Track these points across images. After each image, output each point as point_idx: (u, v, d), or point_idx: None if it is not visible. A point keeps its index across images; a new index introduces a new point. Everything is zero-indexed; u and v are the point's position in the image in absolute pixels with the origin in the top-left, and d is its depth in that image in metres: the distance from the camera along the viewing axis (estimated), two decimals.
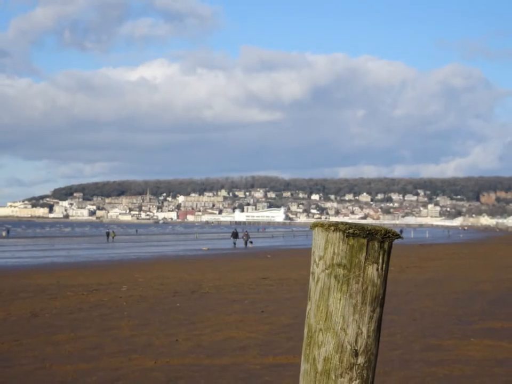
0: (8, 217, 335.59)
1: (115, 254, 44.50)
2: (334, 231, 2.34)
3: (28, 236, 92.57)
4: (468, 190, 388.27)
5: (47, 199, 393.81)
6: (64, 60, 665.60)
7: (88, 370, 8.83)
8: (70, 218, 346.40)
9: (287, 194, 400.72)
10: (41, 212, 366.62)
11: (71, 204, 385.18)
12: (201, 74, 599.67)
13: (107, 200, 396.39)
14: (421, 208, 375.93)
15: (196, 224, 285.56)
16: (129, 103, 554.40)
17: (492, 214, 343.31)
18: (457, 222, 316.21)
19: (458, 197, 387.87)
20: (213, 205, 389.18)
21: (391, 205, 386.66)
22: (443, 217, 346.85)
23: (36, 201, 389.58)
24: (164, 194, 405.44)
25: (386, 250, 2.37)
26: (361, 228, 2.33)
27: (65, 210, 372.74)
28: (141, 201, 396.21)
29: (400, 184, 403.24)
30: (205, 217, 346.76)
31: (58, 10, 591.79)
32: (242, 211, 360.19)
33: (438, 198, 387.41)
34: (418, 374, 8.54)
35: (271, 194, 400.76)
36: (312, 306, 2.38)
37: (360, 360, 2.31)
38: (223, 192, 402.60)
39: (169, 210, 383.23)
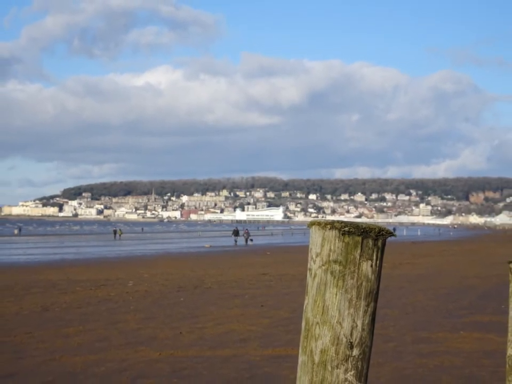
0: (20, 216, 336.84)
1: (122, 251, 44.65)
2: (330, 229, 2.37)
3: (38, 234, 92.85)
4: (457, 190, 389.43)
5: (57, 198, 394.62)
6: (73, 66, 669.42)
7: (96, 362, 8.98)
8: (79, 217, 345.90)
9: (285, 194, 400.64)
10: (51, 211, 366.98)
11: (80, 203, 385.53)
12: (204, 80, 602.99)
13: (114, 200, 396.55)
14: (413, 207, 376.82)
15: (199, 222, 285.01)
16: (135, 107, 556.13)
17: (480, 213, 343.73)
18: (447, 220, 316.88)
19: (449, 196, 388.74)
20: (215, 204, 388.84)
21: (384, 204, 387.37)
22: (434, 216, 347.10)
23: (46, 201, 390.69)
24: (168, 194, 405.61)
25: (380, 248, 2.40)
26: (356, 226, 2.36)
27: (74, 209, 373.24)
28: (147, 200, 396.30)
29: (393, 185, 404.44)
30: (208, 216, 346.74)
31: (67, 19, 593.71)
32: (243, 210, 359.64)
33: (429, 198, 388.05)
34: (411, 365, 8.67)
35: (271, 194, 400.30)
36: (309, 300, 2.41)
37: (355, 352, 2.35)
38: (225, 192, 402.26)
39: (173, 210, 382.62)
